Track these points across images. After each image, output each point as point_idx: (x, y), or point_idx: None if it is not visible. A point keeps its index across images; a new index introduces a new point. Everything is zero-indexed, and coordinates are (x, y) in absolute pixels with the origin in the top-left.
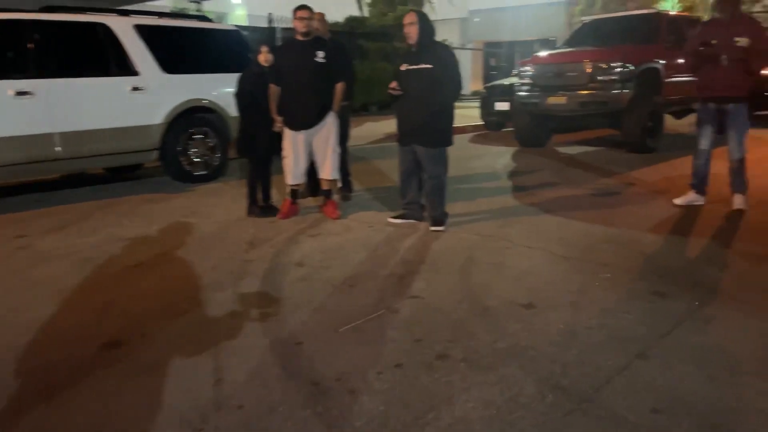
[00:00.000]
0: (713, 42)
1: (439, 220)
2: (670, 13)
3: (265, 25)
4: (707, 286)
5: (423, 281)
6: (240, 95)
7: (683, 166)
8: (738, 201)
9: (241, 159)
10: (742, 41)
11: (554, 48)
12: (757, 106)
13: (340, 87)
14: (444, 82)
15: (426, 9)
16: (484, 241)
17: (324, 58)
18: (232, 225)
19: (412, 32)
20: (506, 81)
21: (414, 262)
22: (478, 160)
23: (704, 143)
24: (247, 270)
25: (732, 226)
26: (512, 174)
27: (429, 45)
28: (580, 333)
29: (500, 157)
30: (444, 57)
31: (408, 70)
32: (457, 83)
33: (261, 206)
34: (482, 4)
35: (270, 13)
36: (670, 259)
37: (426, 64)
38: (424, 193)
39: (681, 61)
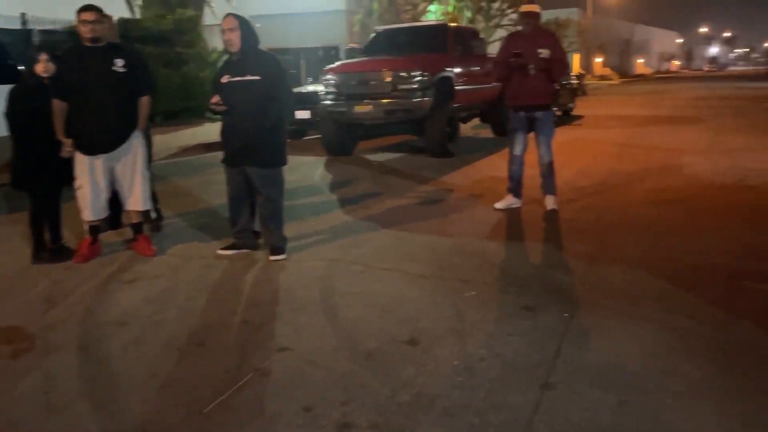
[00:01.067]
0: (520, 53)
1: (279, 247)
2: (454, 24)
3: (17, 26)
4: (565, 294)
5: (286, 327)
6: (12, 114)
7: (485, 168)
8: (550, 202)
9: (13, 190)
10: (545, 52)
11: (337, 55)
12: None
13: (145, 101)
14: (274, 94)
15: (206, 12)
16: (335, 267)
17: (124, 67)
18: (16, 278)
19: (233, 39)
20: (303, 89)
21: (267, 302)
22: (293, 172)
23: (518, 149)
24: (53, 340)
25: (554, 227)
26: (333, 186)
27: (254, 54)
28: (477, 368)
29: (314, 167)
30: (272, 67)
31: (231, 82)
32: (289, 95)
33: (50, 249)
34: (264, 10)
35: (23, 14)
36: (519, 266)
37: (252, 75)
38: (258, 218)
39: (466, 69)
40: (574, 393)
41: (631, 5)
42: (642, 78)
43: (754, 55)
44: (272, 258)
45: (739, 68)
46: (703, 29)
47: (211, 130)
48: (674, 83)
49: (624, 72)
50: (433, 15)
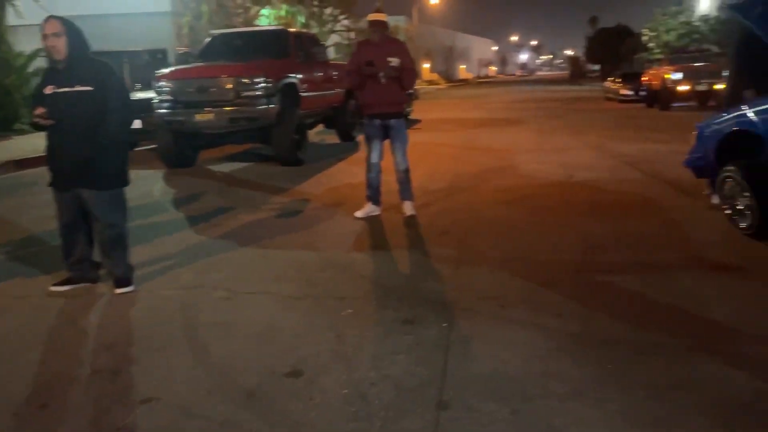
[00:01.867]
0: (372, 61)
1: (125, 278)
2: (294, 29)
3: None
4: (439, 302)
5: (148, 373)
6: None
7: (338, 175)
8: (408, 207)
9: None
10: (395, 61)
11: (165, 60)
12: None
13: None
14: (110, 106)
15: (9, 12)
16: (195, 296)
17: None
18: None
19: (58, 45)
20: (133, 96)
21: (119, 345)
22: (130, 188)
23: (374, 157)
24: None
25: (415, 233)
26: (178, 202)
27: (84, 62)
28: (369, 394)
29: (153, 182)
30: (106, 76)
31: (57, 93)
32: (126, 108)
33: None
34: (78, 10)
35: None
36: (390, 277)
37: (83, 85)
38: (97, 246)
39: (309, 75)
40: (468, 409)
41: (451, 14)
42: (465, 82)
43: (557, 61)
44: (118, 291)
45: (545, 73)
46: (514, 37)
47: (21, 144)
48: (493, 87)
49: (449, 77)
50: (266, 20)
